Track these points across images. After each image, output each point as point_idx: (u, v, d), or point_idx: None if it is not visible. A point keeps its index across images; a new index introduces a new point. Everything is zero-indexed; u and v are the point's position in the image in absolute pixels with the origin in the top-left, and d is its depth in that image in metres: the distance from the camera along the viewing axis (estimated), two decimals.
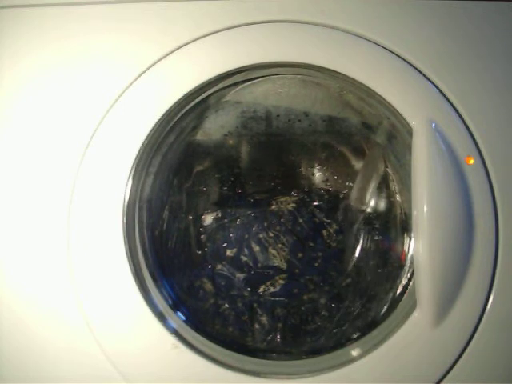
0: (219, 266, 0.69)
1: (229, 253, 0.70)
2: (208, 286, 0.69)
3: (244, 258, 0.70)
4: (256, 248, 0.70)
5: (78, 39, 0.60)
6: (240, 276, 0.69)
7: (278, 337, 0.67)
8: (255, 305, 0.68)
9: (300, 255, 0.70)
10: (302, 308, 0.68)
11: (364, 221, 0.70)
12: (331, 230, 0.71)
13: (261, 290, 0.69)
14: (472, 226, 0.55)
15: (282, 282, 0.69)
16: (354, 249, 0.70)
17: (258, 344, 0.66)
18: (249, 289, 0.69)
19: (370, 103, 0.64)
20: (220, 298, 0.68)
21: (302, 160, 0.73)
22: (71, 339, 0.57)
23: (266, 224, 0.71)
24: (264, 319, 0.67)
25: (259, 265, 0.70)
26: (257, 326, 0.67)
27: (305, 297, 0.69)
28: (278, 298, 0.68)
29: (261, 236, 0.71)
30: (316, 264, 0.70)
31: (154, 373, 0.56)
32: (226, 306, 0.68)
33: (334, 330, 0.66)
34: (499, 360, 0.56)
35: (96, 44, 0.60)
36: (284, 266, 0.70)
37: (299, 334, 0.67)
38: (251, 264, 0.70)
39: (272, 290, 0.69)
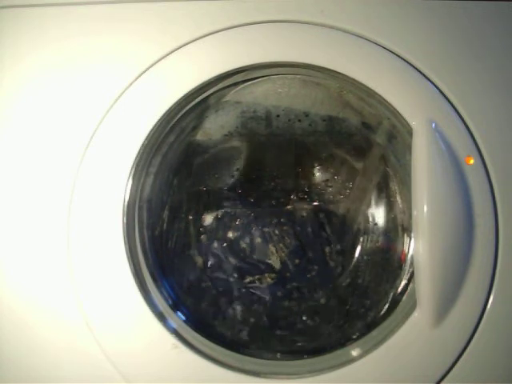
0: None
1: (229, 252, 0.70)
2: (208, 284, 0.69)
3: (244, 258, 0.70)
4: (256, 242, 0.70)
5: (78, 39, 0.60)
6: (238, 274, 0.69)
7: (278, 337, 0.67)
8: (255, 305, 0.68)
9: (297, 261, 0.70)
10: (302, 308, 0.68)
11: (364, 221, 0.70)
12: (334, 250, 0.71)
13: (260, 290, 0.69)
14: (472, 226, 0.55)
15: (270, 280, 0.69)
16: (354, 249, 0.70)
17: (258, 343, 0.66)
18: (248, 289, 0.69)
19: (370, 103, 0.64)
20: (219, 297, 0.68)
21: (302, 160, 0.73)
22: (71, 339, 0.57)
23: (274, 221, 0.71)
24: (264, 319, 0.67)
25: (255, 257, 0.70)
26: (256, 325, 0.67)
27: (302, 298, 0.69)
28: (261, 295, 0.68)
29: (265, 230, 0.71)
30: (308, 275, 0.70)
31: (153, 373, 0.56)
32: (225, 302, 0.68)
33: (334, 330, 0.66)
34: (499, 360, 0.56)
35: (96, 44, 0.60)
36: (277, 266, 0.70)
37: (299, 334, 0.67)
38: (248, 259, 0.70)
39: (265, 285, 0.69)
